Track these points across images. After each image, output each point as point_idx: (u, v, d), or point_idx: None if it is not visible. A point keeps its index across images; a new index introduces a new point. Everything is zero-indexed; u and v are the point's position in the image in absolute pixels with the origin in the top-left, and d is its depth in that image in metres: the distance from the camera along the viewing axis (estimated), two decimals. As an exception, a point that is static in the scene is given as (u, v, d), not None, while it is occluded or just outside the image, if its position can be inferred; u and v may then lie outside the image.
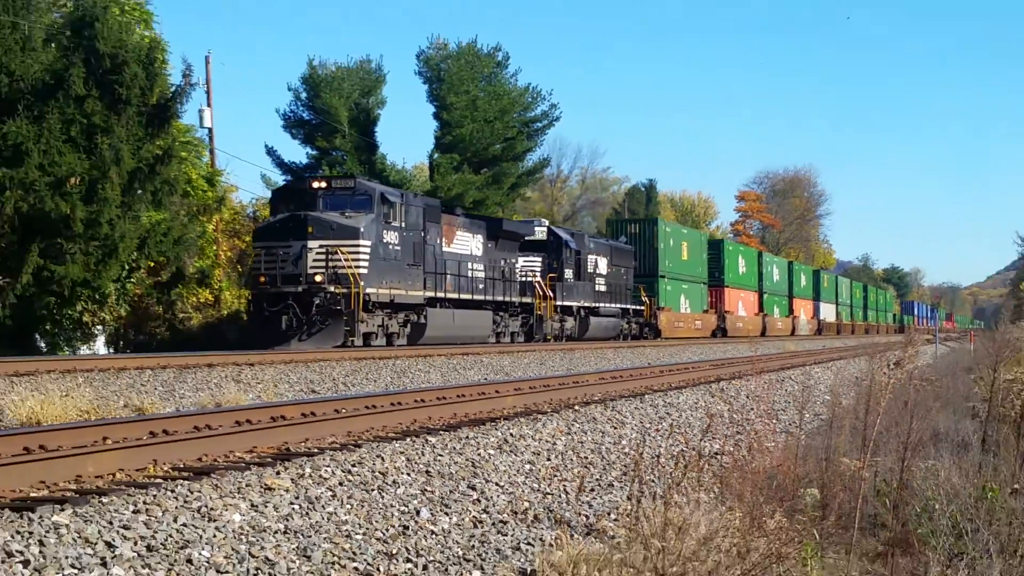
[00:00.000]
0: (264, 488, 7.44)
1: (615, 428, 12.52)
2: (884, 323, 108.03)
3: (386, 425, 10.73)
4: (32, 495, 6.86)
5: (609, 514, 8.56)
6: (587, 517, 8.51)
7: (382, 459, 8.80)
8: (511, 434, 10.79)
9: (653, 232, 48.19)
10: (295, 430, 9.76)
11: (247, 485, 7.42)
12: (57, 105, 24.52)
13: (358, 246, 24.90)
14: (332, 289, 24.32)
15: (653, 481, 9.69)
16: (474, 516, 7.94)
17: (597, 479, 9.90)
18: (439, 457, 9.29)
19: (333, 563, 6.43)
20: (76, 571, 5.51)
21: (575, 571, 6.50)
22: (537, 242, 36.77)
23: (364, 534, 7.03)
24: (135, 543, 6.00)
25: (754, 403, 15.95)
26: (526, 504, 8.51)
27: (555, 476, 9.62)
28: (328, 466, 8.28)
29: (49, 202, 23.71)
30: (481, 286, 31.33)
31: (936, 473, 10.06)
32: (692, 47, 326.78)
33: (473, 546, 7.28)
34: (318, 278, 24.49)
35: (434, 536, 7.32)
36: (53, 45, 25.81)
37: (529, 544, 7.48)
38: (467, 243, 30.96)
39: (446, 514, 7.83)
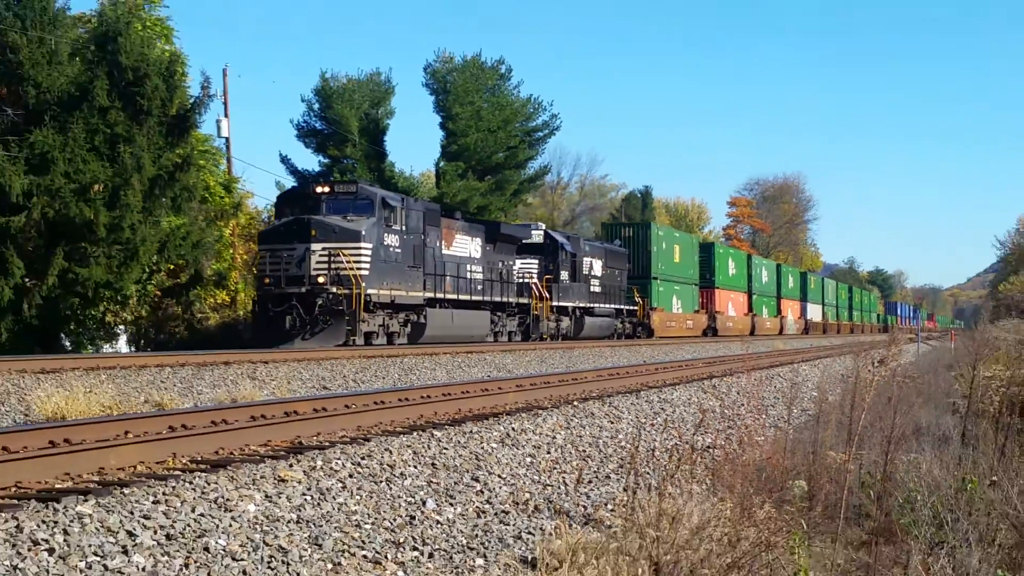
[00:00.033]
0: (278, 480, 7.44)
1: (612, 423, 12.51)
2: (869, 323, 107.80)
3: (394, 420, 10.72)
4: (57, 486, 6.86)
5: (606, 504, 8.55)
6: (585, 508, 8.50)
7: (390, 452, 8.80)
8: (513, 428, 10.77)
9: (646, 236, 48.14)
10: (307, 424, 9.75)
11: (261, 477, 7.42)
12: (82, 116, 24.56)
13: (360, 248, 24.78)
14: (334, 290, 24.17)
15: (648, 473, 9.67)
16: (477, 507, 7.93)
17: (595, 471, 9.89)
18: (444, 450, 9.28)
19: (343, 551, 6.43)
20: (99, 559, 5.51)
21: (574, 559, 6.50)
22: (534, 245, 36.65)
23: (373, 523, 7.03)
24: (155, 532, 6.00)
25: (745, 399, 15.92)
26: (527, 495, 8.50)
27: (555, 468, 9.61)
28: (339, 459, 8.27)
29: (74, 208, 23.74)
30: (479, 287, 31.17)
31: (918, 466, 10.05)
32: (687, 60, 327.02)
33: (477, 535, 7.28)
34: (321, 279, 24.35)
35: (439, 526, 7.31)
36: (78, 59, 25.84)
37: (530, 533, 7.47)
38: (466, 246, 30.82)
39: (451, 505, 7.83)
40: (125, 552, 5.65)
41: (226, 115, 36.06)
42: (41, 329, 25.47)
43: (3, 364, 15.51)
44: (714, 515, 6.86)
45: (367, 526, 6.95)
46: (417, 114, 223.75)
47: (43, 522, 5.81)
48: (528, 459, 9.73)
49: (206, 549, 5.95)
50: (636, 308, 45.08)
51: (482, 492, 8.33)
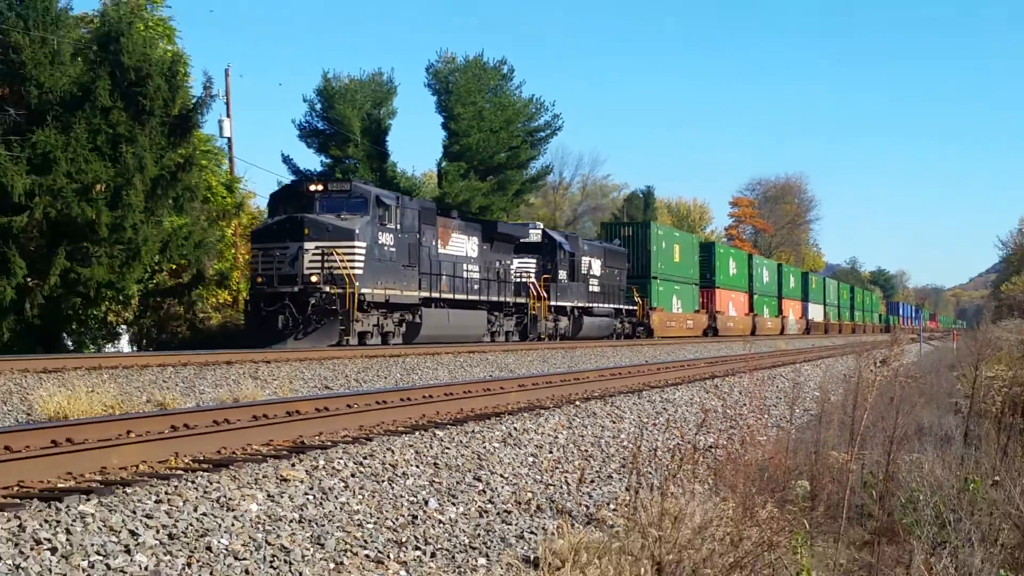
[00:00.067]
0: (280, 479, 7.43)
1: (614, 423, 12.50)
2: (870, 323, 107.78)
3: (396, 419, 10.72)
4: (60, 486, 6.86)
5: (608, 504, 8.55)
6: (587, 507, 8.49)
7: (392, 452, 8.79)
8: (515, 428, 10.77)
9: (646, 235, 48.09)
10: (309, 424, 9.75)
11: (264, 476, 7.41)
12: (84, 116, 24.57)
13: (353, 247, 24.45)
14: (327, 289, 23.82)
15: (650, 473, 9.67)
16: (480, 506, 7.92)
17: (597, 471, 9.88)
18: (446, 450, 9.28)
19: (346, 551, 6.42)
20: (101, 558, 5.51)
21: (576, 558, 6.49)
22: (532, 244, 36.41)
23: (375, 523, 7.02)
24: (157, 531, 6.00)
25: (747, 399, 15.92)
26: (529, 495, 8.49)
27: (557, 468, 9.61)
28: (341, 458, 8.27)
29: (76, 208, 23.76)
30: (476, 287, 30.88)
31: (920, 466, 10.04)
32: (689, 61, 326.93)
33: (479, 535, 7.27)
34: (314, 278, 24.00)
35: (442, 525, 7.30)
36: (80, 59, 25.86)
37: (532, 533, 7.46)
38: (462, 245, 30.54)
39: (453, 504, 7.82)
40: (127, 551, 5.65)
41: (228, 115, 36.11)
42: (43, 329, 25.48)
43: (5, 363, 15.51)
44: (716, 515, 6.86)
45: (369, 525, 6.94)
46: (419, 114, 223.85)
47: (46, 521, 5.81)
48: (530, 459, 9.72)
49: (208, 548, 5.94)
50: (635, 308, 45.03)
51: (484, 492, 8.33)
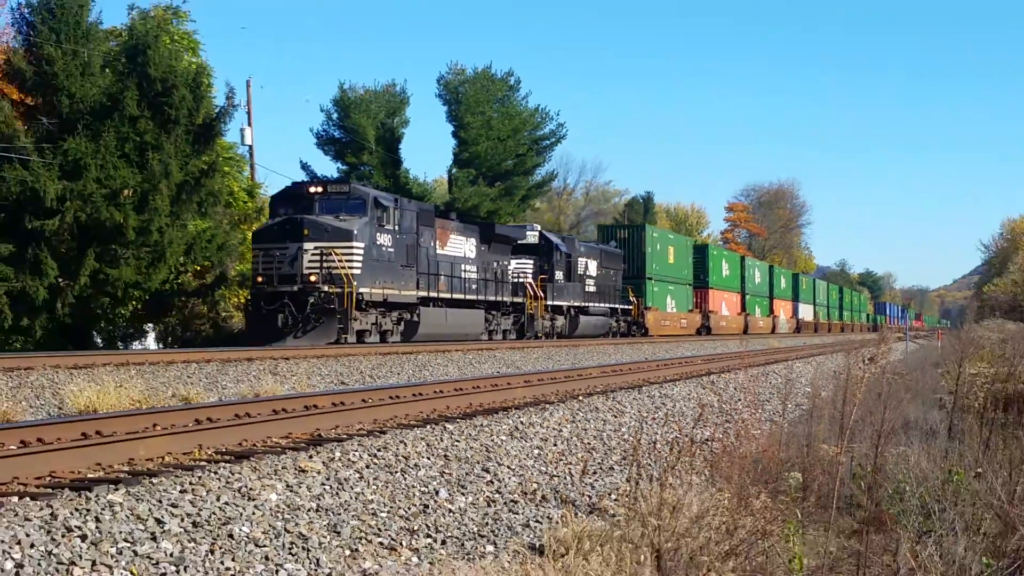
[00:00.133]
0: (298, 470, 7.44)
1: (615, 417, 12.49)
2: (859, 322, 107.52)
3: (408, 413, 10.72)
4: (89, 476, 6.87)
5: (610, 494, 8.53)
6: (590, 497, 8.49)
7: (405, 444, 8.79)
8: (521, 422, 10.76)
9: (641, 237, 48.01)
10: (326, 418, 9.75)
11: (283, 467, 7.42)
12: (113, 124, 24.64)
13: (351, 247, 24.11)
14: (326, 289, 23.48)
15: (650, 465, 9.66)
16: (488, 496, 7.92)
17: (599, 463, 9.87)
18: (456, 443, 9.27)
19: (360, 538, 6.42)
20: (129, 544, 5.52)
21: (579, 546, 6.49)
22: (530, 246, 36.07)
23: (388, 512, 7.02)
24: (182, 520, 6.00)
25: (742, 394, 15.89)
26: (535, 485, 8.49)
27: (561, 460, 9.60)
28: (356, 451, 8.27)
29: (105, 212, 23.82)
30: (474, 286, 30.53)
31: (907, 458, 10.01)
32: (688, 71, 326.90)
33: (487, 523, 7.27)
34: (313, 278, 23.66)
35: (451, 514, 7.30)
36: (109, 71, 25.95)
37: (538, 521, 7.46)
38: (460, 246, 30.19)
39: (462, 494, 7.82)
40: (154, 538, 5.66)
41: (249, 124, 36.15)
42: (74, 327, 25.55)
43: (38, 360, 15.55)
44: (713, 505, 6.85)
45: (383, 514, 6.94)
46: (431, 123, 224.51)
47: (76, 510, 5.82)
48: (536, 451, 9.71)
49: (230, 536, 5.95)
50: (631, 307, 44.95)
51: (492, 482, 8.32)
